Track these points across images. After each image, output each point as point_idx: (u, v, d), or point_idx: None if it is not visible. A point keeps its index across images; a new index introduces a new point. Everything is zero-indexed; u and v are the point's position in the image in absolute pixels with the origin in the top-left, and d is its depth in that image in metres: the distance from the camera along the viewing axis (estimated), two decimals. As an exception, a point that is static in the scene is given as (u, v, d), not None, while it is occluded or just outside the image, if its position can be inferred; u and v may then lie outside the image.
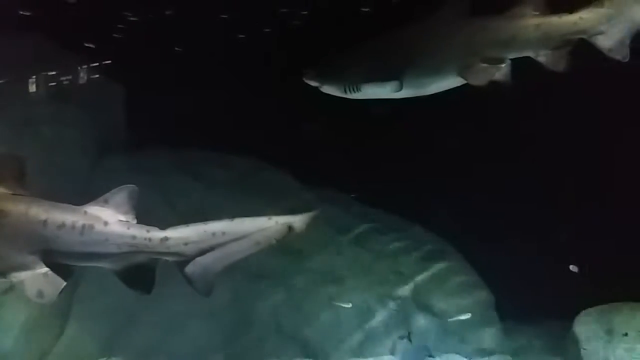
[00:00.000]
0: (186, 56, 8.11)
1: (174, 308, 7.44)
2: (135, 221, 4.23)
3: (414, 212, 8.21)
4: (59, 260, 4.14)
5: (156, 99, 8.08)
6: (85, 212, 4.11)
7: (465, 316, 7.36)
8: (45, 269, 4.14)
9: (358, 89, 5.30)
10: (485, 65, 5.19)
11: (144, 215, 7.94)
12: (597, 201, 7.71)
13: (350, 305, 7.39)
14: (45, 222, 4.02)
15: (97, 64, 8.07)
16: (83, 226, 4.05)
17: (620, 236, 7.50)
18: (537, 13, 5.20)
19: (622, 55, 5.13)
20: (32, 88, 7.79)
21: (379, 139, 8.21)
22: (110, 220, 4.12)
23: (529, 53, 5.28)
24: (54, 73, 7.86)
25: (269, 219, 4.24)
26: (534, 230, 7.85)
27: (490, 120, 7.86)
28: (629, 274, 7.09)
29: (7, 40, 7.82)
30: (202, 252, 4.17)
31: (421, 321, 7.63)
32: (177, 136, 8.08)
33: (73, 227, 4.04)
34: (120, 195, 4.25)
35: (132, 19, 7.83)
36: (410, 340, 7.49)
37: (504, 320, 7.83)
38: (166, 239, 4.12)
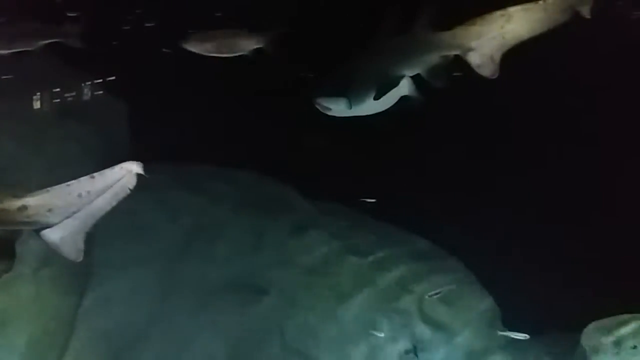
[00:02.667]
0: (189, 71, 8.14)
1: (180, 324, 7.42)
2: None
3: (418, 224, 8.18)
4: None
5: (158, 114, 8.10)
6: None
7: (522, 336, 7.26)
8: None
9: (327, 107, 5.64)
10: (385, 82, 5.46)
11: (148, 230, 7.99)
12: (604, 213, 7.68)
13: (382, 335, 7.33)
14: None
15: (100, 80, 8.12)
16: None
17: (629, 248, 7.46)
18: (428, 31, 5.44)
19: (491, 71, 5.25)
20: (36, 104, 7.82)
21: (383, 150, 8.21)
22: None
23: (419, 70, 5.50)
24: (57, 89, 7.90)
25: (121, 168, 4.05)
26: (540, 242, 7.81)
27: (496, 133, 7.86)
28: (638, 286, 7.04)
29: (11, 57, 7.88)
30: (69, 216, 3.96)
31: (427, 335, 7.57)
32: (180, 151, 8.10)
33: None
34: None
35: (135, 34, 7.88)
36: (416, 355, 7.43)
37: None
38: (25, 207, 3.82)
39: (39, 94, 7.81)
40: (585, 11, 5.02)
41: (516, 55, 5.22)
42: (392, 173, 8.19)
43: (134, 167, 4.06)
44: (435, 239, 8.24)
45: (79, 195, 3.92)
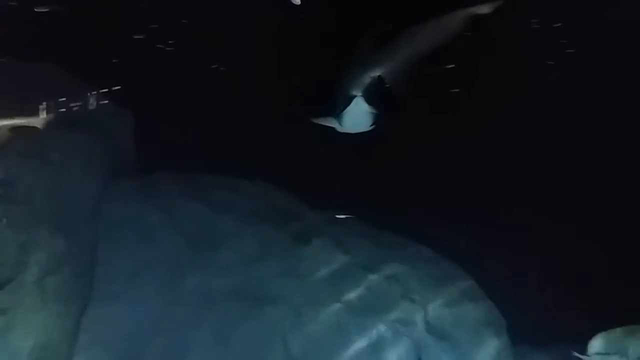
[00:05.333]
0: (195, 81, 8.19)
1: (184, 333, 7.41)
2: None
3: (423, 234, 8.16)
4: None
5: (165, 124, 8.14)
6: None
7: (587, 358, 7.18)
8: None
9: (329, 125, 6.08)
10: (340, 101, 5.86)
11: (152, 239, 7.97)
12: (612, 224, 7.67)
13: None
14: None
15: (106, 89, 8.17)
16: None
17: (636, 258, 7.45)
18: (365, 53, 5.90)
19: (403, 89, 5.62)
20: (42, 114, 7.87)
21: (388, 160, 8.22)
22: None
23: (360, 90, 5.82)
24: (63, 99, 7.94)
25: None
26: (547, 253, 7.79)
27: (498, 141, 7.87)
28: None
29: (18, 67, 7.94)
30: None
31: (432, 346, 7.53)
32: (185, 160, 8.13)
33: None
34: None
35: (140, 45, 7.94)
36: (421, 365, 7.41)
37: (517, 343, 7.72)
38: None
39: (45, 103, 7.85)
40: (485, 9, 5.20)
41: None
42: (396, 183, 8.20)
43: None
44: (440, 249, 8.22)
45: None
